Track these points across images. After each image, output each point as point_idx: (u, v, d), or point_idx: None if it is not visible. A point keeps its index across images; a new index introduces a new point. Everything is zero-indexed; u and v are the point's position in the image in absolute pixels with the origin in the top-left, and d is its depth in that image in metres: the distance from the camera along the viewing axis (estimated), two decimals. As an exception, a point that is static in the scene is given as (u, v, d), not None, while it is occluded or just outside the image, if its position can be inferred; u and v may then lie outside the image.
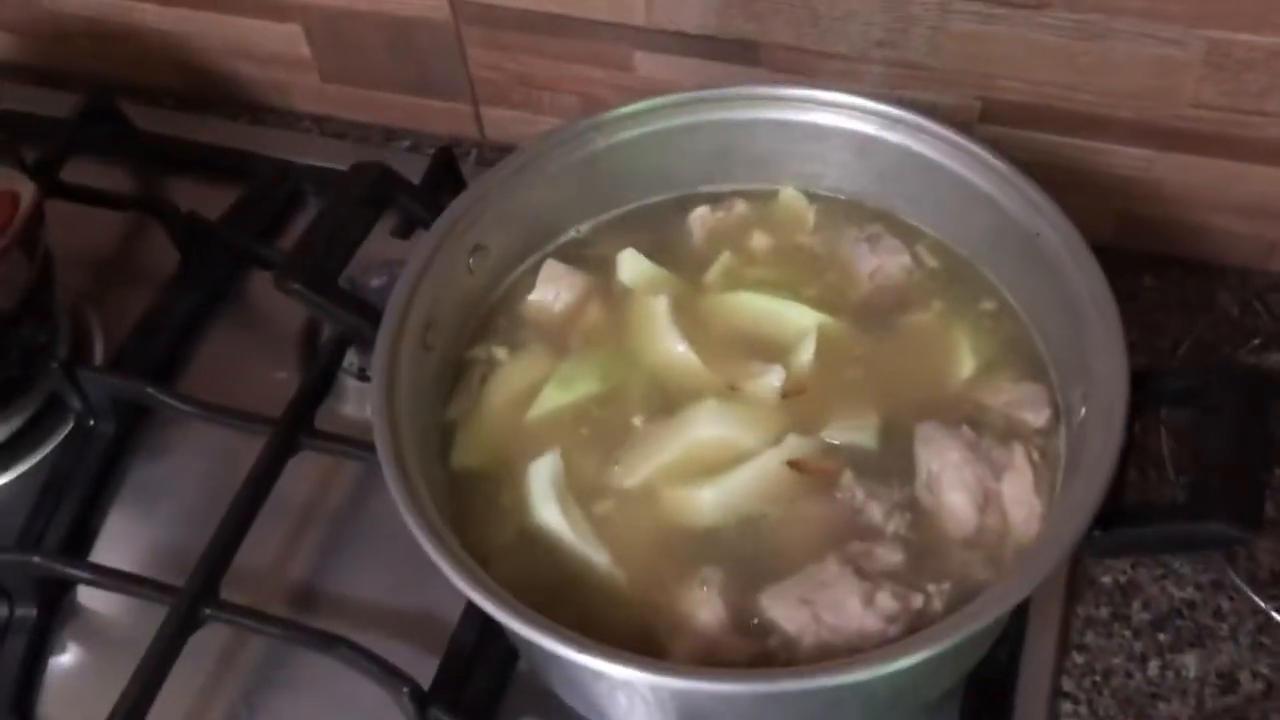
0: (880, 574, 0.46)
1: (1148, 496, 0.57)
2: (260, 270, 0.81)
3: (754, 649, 0.45)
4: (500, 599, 0.44)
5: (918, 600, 0.45)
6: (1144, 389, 0.46)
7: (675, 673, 0.41)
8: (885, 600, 0.45)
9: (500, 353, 0.56)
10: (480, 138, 0.88)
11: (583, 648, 0.41)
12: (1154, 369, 0.48)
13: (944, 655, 0.42)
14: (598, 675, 0.45)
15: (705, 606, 0.46)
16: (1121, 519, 0.44)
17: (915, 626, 0.44)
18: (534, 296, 0.57)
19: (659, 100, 0.58)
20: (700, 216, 0.60)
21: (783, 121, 0.58)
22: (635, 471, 0.51)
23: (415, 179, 0.79)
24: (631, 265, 0.57)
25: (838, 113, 0.57)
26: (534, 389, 0.54)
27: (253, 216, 0.83)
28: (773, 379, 0.51)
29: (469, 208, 0.54)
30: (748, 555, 0.48)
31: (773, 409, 0.52)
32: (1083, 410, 0.47)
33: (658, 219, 0.60)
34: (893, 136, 0.56)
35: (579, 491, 0.51)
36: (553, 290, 0.56)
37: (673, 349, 0.52)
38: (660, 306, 0.54)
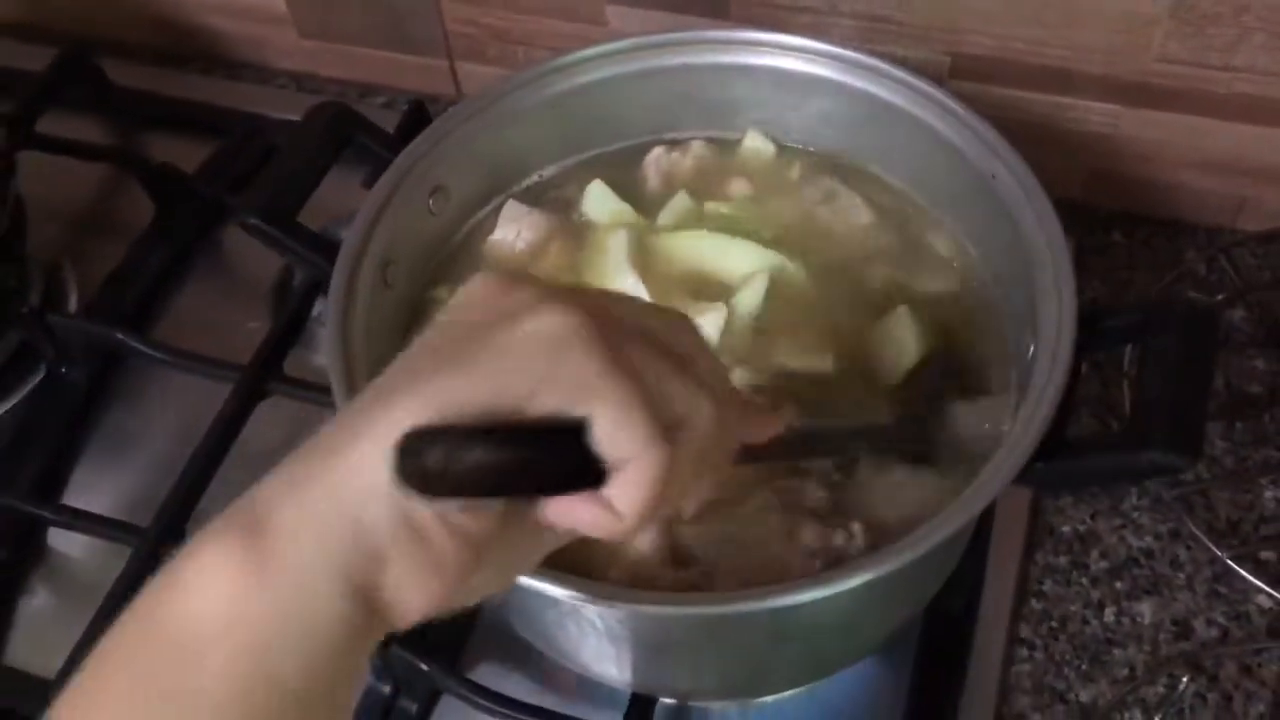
0: (807, 510, 0.47)
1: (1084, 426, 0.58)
2: (234, 225, 0.81)
3: (686, 580, 0.45)
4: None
5: (840, 538, 0.46)
6: (1089, 327, 0.46)
7: (612, 595, 0.42)
8: (808, 535, 0.45)
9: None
10: (456, 93, 0.88)
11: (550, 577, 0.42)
12: (1099, 308, 0.48)
13: (884, 586, 0.42)
14: (546, 604, 0.46)
15: (641, 535, 0.46)
16: (1064, 452, 0.44)
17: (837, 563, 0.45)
18: (495, 236, 0.57)
19: (622, 43, 0.58)
20: (655, 159, 0.60)
21: (745, 66, 0.58)
22: None
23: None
24: (598, 197, 0.58)
25: (799, 58, 0.57)
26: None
27: (227, 170, 0.83)
28: (716, 317, 0.51)
29: (429, 149, 0.55)
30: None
31: (721, 346, 0.52)
32: (1031, 348, 0.47)
33: (621, 163, 0.60)
34: (854, 81, 0.56)
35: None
36: (514, 229, 0.57)
37: (624, 284, 0.52)
38: (618, 241, 0.54)
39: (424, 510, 0.33)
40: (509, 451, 0.33)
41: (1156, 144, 0.73)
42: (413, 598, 0.34)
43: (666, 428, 0.34)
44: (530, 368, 0.33)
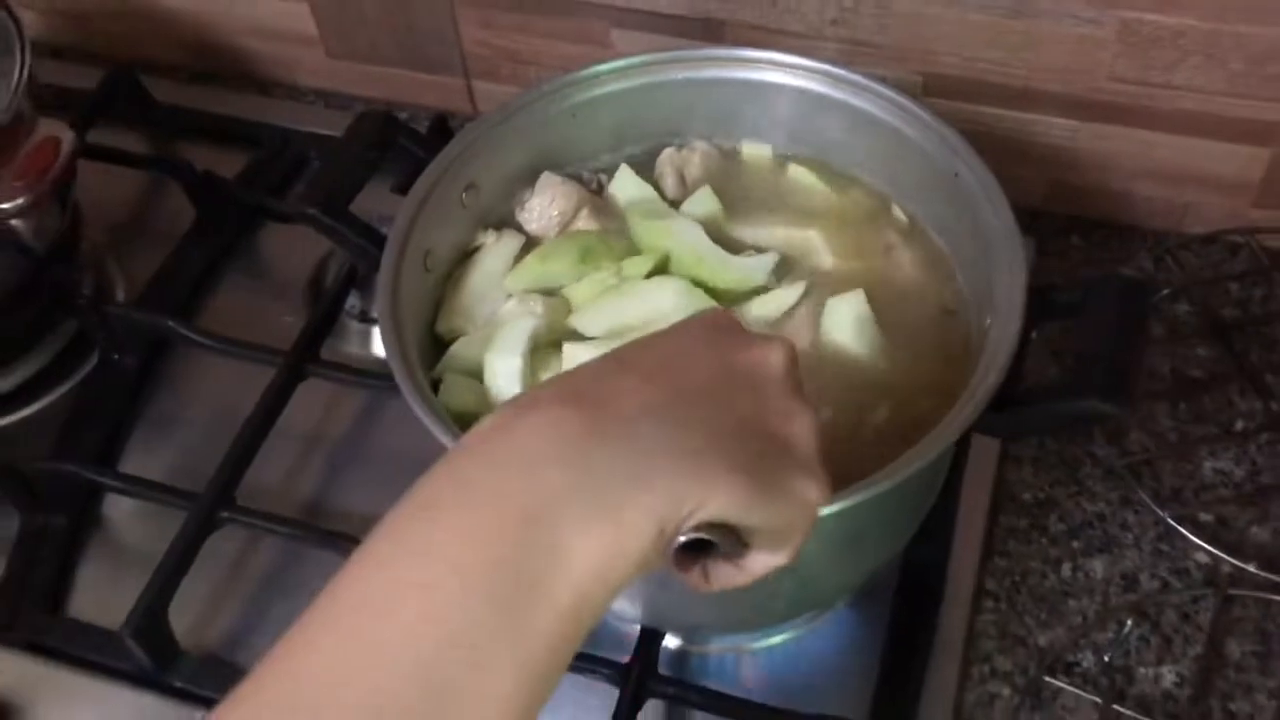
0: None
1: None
2: (270, 224, 0.88)
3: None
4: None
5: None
6: (1038, 300, 0.54)
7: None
8: None
9: (488, 236, 0.64)
10: (472, 109, 0.96)
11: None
12: (1047, 284, 0.56)
13: (865, 515, 0.50)
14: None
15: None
16: (1014, 404, 0.52)
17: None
18: (531, 202, 0.64)
19: (633, 60, 0.66)
20: (669, 157, 0.68)
21: (742, 80, 0.66)
22: (593, 326, 0.59)
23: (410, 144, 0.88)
24: (624, 182, 0.65)
25: (790, 73, 0.65)
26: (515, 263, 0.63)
27: (262, 177, 0.90)
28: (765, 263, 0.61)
29: (462, 150, 0.62)
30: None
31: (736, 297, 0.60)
32: (988, 321, 0.55)
33: (634, 164, 0.68)
34: (837, 94, 0.64)
35: (540, 349, 0.59)
36: (549, 196, 0.63)
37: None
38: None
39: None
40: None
41: (1110, 155, 0.81)
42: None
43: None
44: (802, 527, 0.41)
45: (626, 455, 0.37)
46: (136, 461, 0.78)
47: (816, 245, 0.65)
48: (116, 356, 0.81)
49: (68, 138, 0.69)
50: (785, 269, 0.63)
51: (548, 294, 0.62)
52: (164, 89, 0.96)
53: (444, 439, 0.51)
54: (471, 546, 0.35)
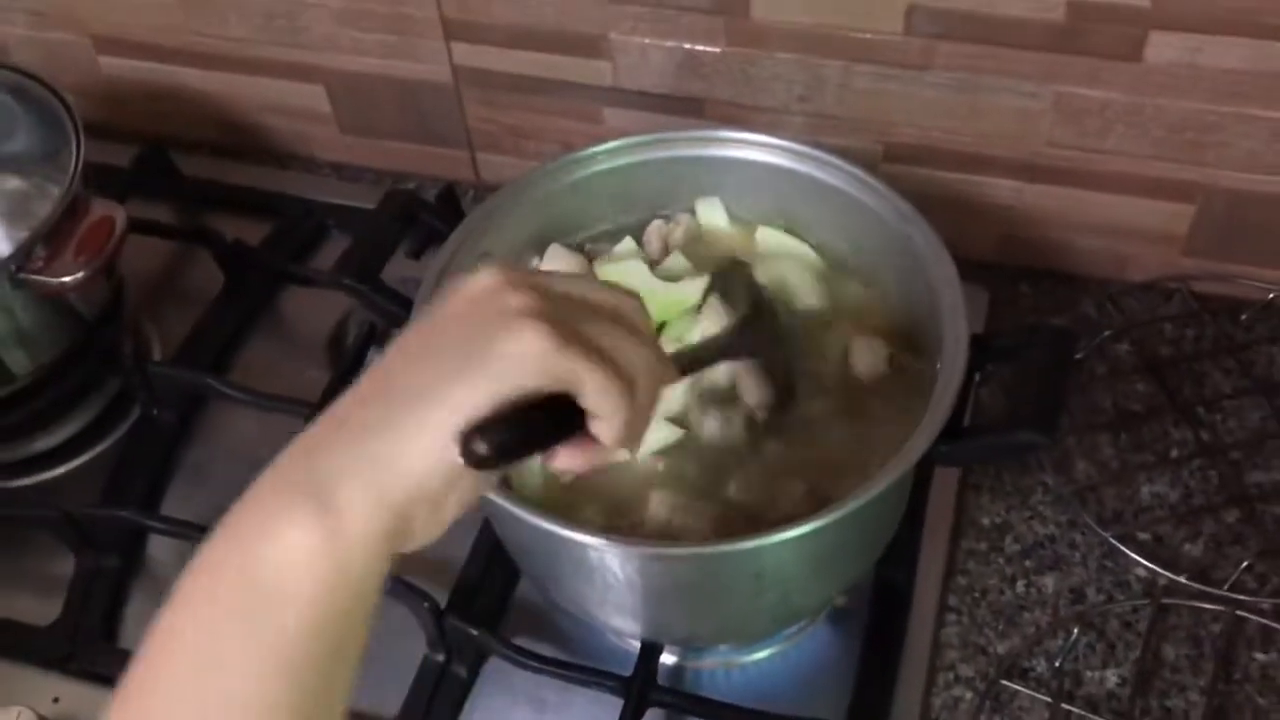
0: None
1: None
2: (293, 287, 0.96)
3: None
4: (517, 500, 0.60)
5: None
6: (979, 346, 0.62)
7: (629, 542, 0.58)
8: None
9: None
10: (476, 179, 1.04)
11: (570, 527, 0.57)
12: (989, 331, 0.65)
13: (834, 535, 0.58)
14: (580, 558, 0.61)
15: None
16: (960, 436, 0.60)
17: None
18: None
19: (623, 141, 0.75)
20: (656, 228, 0.76)
21: (719, 158, 0.75)
22: None
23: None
24: (622, 248, 0.75)
25: (761, 150, 0.74)
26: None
27: (284, 244, 0.99)
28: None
29: (478, 224, 0.71)
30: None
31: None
32: (938, 365, 0.63)
33: (624, 234, 0.77)
34: (801, 167, 0.73)
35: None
36: (558, 266, 0.72)
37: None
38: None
39: (471, 481, 0.45)
40: (532, 426, 0.46)
41: (1053, 211, 0.90)
42: (419, 543, 0.45)
43: (627, 382, 0.46)
44: (530, 369, 0.44)
45: (339, 450, 0.44)
46: (177, 506, 0.86)
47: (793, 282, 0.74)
48: (156, 411, 0.88)
49: (120, 217, 0.77)
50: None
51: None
52: (188, 162, 1.05)
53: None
54: (217, 573, 0.45)
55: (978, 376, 0.63)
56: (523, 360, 0.44)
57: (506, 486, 0.63)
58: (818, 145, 0.75)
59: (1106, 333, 0.88)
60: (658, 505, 0.62)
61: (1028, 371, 0.61)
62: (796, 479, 0.65)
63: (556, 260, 0.73)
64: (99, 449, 0.89)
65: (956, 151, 0.88)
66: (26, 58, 1.07)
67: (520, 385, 0.45)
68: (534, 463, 0.57)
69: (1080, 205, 0.89)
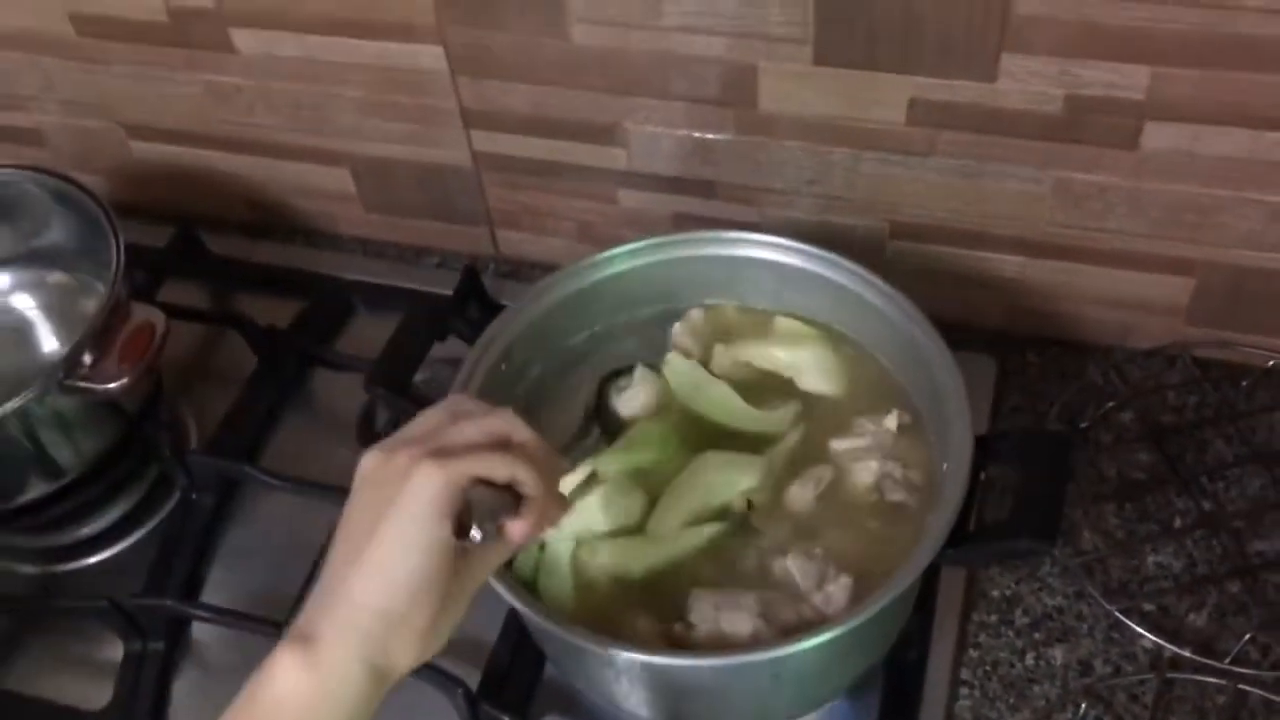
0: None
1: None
2: (324, 369, 1.00)
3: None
4: (543, 611, 0.63)
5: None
6: (984, 447, 0.65)
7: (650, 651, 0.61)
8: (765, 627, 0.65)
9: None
10: (495, 253, 1.08)
11: (601, 642, 0.61)
12: (991, 434, 0.68)
13: (845, 642, 0.61)
14: (605, 663, 0.64)
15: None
16: (966, 539, 0.63)
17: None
18: (630, 391, 0.77)
19: (636, 244, 0.78)
20: (680, 329, 0.81)
21: (730, 256, 0.78)
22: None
23: (444, 289, 1.00)
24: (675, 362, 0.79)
25: (772, 249, 0.77)
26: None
27: (314, 324, 1.02)
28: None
29: (501, 329, 0.74)
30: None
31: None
32: (945, 465, 0.66)
33: (638, 330, 0.80)
34: (811, 266, 0.76)
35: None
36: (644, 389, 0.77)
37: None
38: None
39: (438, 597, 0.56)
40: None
41: (1057, 285, 0.93)
42: (407, 661, 0.56)
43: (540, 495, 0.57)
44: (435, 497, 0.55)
45: (318, 598, 0.56)
46: (219, 587, 0.90)
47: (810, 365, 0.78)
48: (195, 496, 0.92)
49: (160, 321, 0.81)
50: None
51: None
52: (220, 241, 1.08)
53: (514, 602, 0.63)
54: (233, 707, 0.56)
55: (982, 476, 0.65)
56: (425, 492, 0.54)
57: (533, 593, 0.67)
58: (825, 244, 0.78)
59: (1111, 404, 0.91)
60: (702, 603, 0.66)
61: (1029, 475, 0.64)
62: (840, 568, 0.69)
63: (643, 386, 0.78)
64: (141, 533, 0.93)
65: (961, 230, 0.91)
66: (60, 142, 1.12)
67: (432, 511, 0.54)
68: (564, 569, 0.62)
69: (1083, 279, 0.91)
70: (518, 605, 0.62)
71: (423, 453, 0.55)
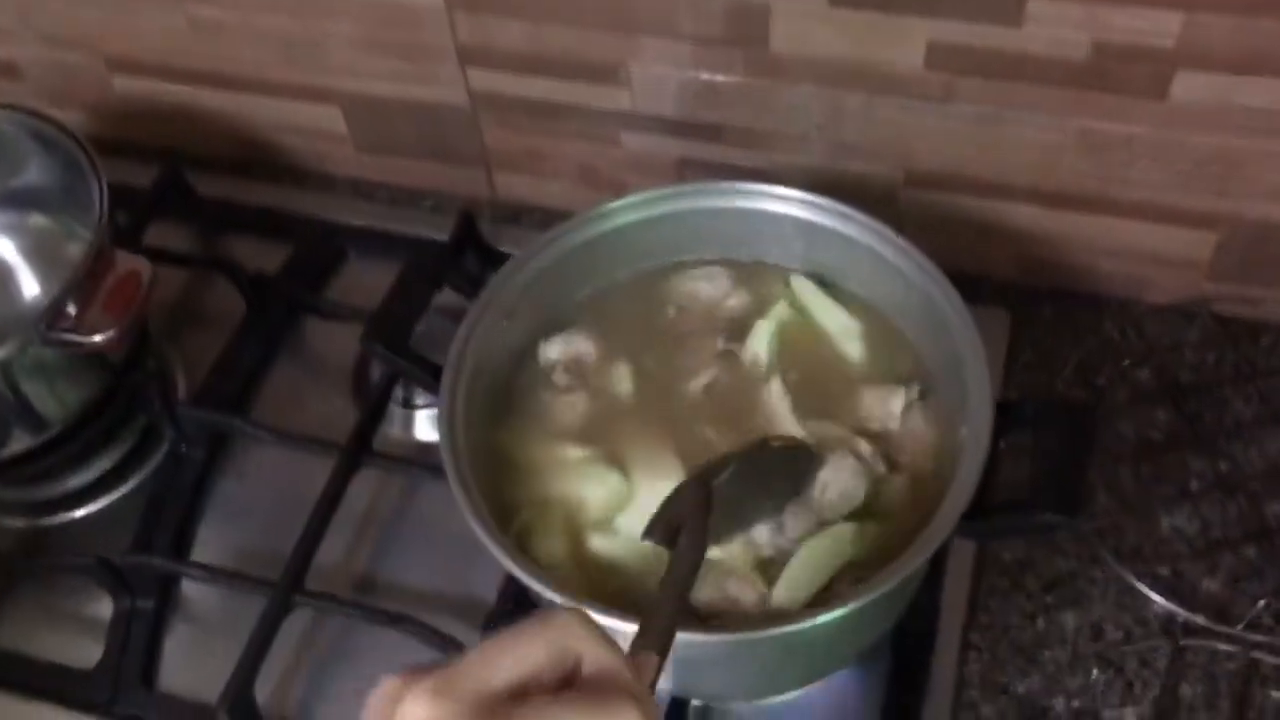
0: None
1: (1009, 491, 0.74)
2: (314, 318, 0.97)
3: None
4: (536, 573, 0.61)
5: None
6: (1003, 415, 0.63)
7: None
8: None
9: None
10: (493, 196, 1.04)
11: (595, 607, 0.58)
12: (1011, 401, 0.65)
13: (857, 616, 0.59)
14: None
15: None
16: (984, 512, 0.61)
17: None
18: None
19: (642, 195, 0.74)
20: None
21: (743, 209, 0.75)
22: None
23: (440, 235, 0.97)
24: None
25: (784, 203, 0.74)
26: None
27: (304, 270, 0.99)
28: None
29: (503, 284, 0.71)
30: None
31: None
32: (963, 431, 0.64)
33: (644, 285, 0.77)
34: (827, 221, 0.73)
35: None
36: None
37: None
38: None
39: None
40: None
41: (1075, 236, 0.90)
42: None
43: None
44: None
45: None
46: (209, 542, 0.87)
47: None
48: (184, 449, 0.90)
49: (146, 270, 0.78)
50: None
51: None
52: (206, 181, 1.04)
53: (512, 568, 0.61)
54: None
55: (1003, 444, 0.63)
56: None
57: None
58: (836, 192, 0.75)
59: (1127, 361, 0.88)
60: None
61: (1049, 446, 0.62)
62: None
63: None
64: (130, 485, 0.90)
65: (978, 178, 0.88)
66: (38, 77, 1.07)
67: None
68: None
69: (1102, 231, 0.88)
70: (529, 580, 0.60)
71: (427, 683, 0.41)
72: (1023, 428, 0.64)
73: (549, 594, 0.60)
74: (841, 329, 0.74)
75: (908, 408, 0.68)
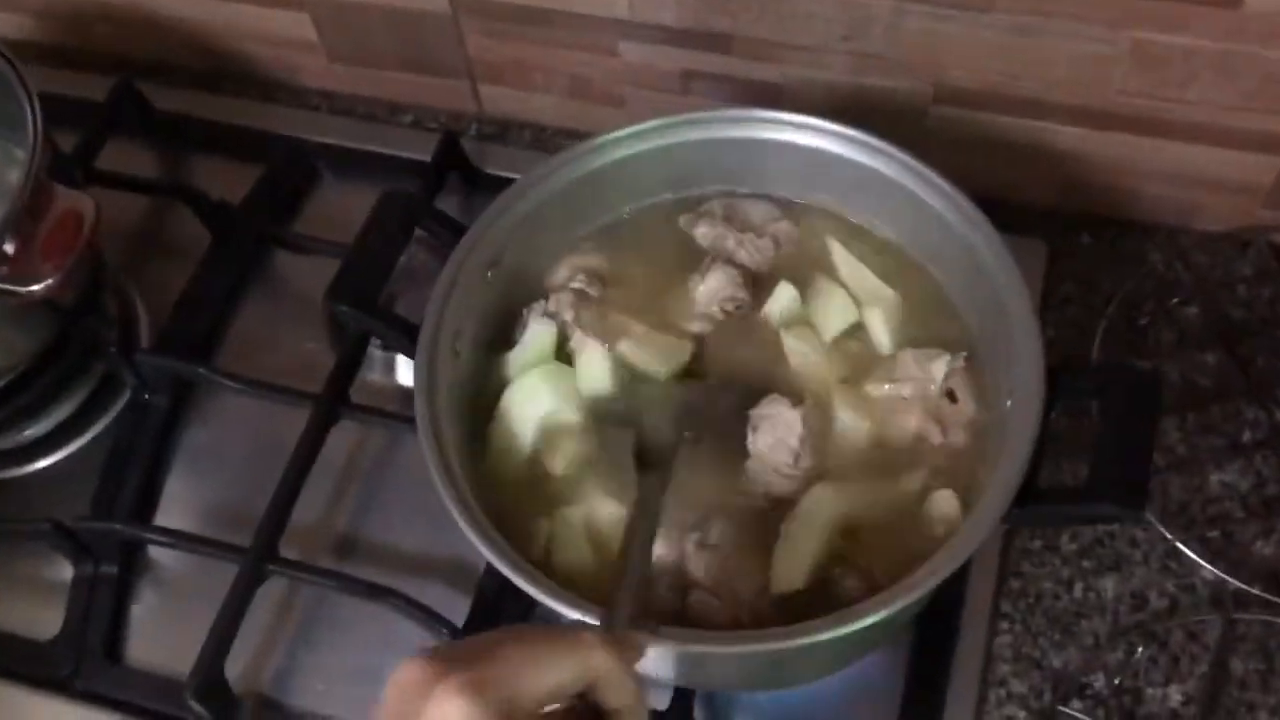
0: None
1: (1058, 464, 0.67)
2: (286, 251, 0.89)
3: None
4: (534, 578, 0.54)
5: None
6: (1056, 384, 0.55)
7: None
8: None
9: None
10: (478, 111, 0.95)
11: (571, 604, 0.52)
12: (1065, 367, 0.57)
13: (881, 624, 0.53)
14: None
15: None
16: (1034, 499, 0.54)
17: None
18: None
19: (642, 125, 0.66)
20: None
21: (753, 139, 0.66)
22: None
23: (421, 154, 0.88)
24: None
25: (800, 132, 0.65)
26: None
27: (274, 194, 0.90)
28: None
29: (485, 230, 0.63)
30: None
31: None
32: (1009, 402, 0.56)
33: (648, 222, 0.69)
34: (851, 154, 0.64)
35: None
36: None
37: None
38: None
39: None
40: None
41: (1120, 159, 0.81)
42: None
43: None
44: None
45: None
46: (176, 499, 0.81)
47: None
48: (147, 397, 0.82)
49: (89, 210, 0.69)
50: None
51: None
52: (165, 95, 0.95)
53: (485, 551, 0.54)
54: None
55: (1052, 415, 0.56)
56: None
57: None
58: (859, 111, 0.67)
59: (1175, 299, 0.81)
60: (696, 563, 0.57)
61: (1112, 422, 0.54)
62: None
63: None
64: (90, 435, 0.83)
65: (1016, 96, 0.79)
66: (-19, -23, 0.97)
67: None
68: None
69: (1151, 153, 0.80)
70: (544, 598, 0.54)
71: (460, 679, 0.41)
72: (1074, 397, 0.56)
73: (562, 609, 0.54)
74: (872, 296, 0.65)
75: (949, 375, 0.60)
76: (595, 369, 0.62)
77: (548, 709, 0.44)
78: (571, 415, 0.62)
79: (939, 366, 0.60)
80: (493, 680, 0.41)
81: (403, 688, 0.43)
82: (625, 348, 0.63)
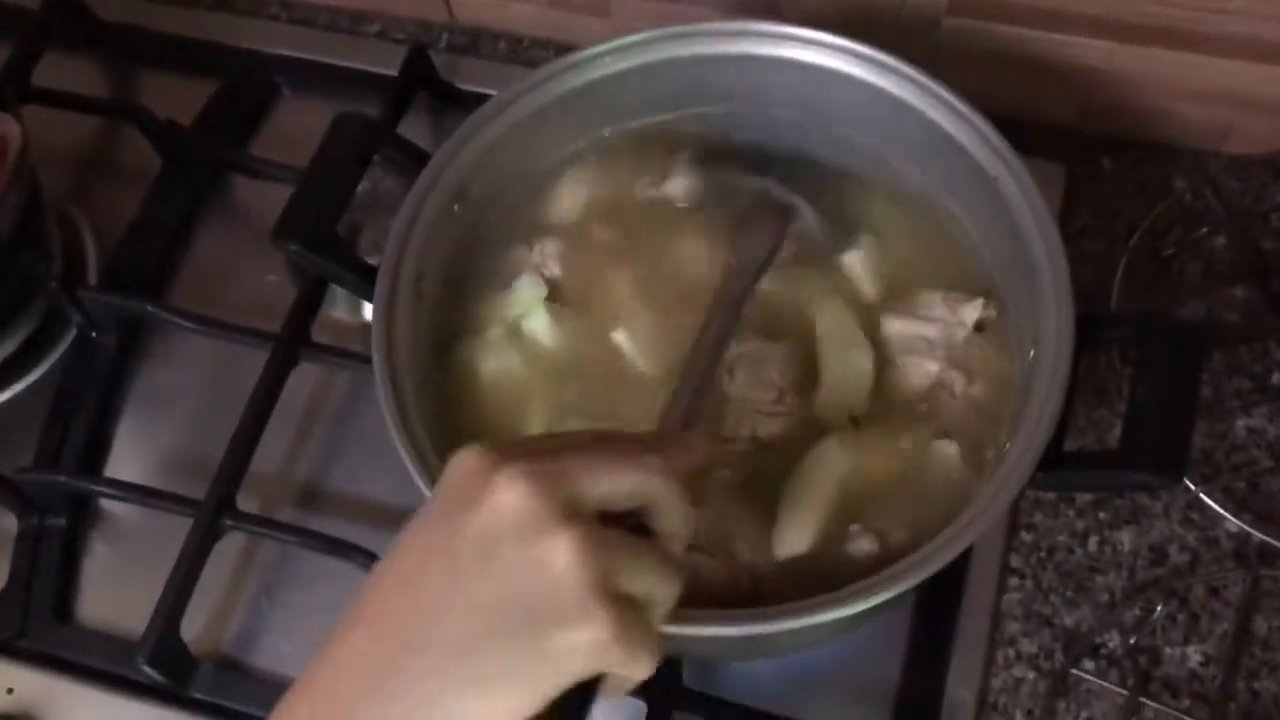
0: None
1: (1086, 419, 0.62)
2: (242, 176, 0.82)
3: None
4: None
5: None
6: (1086, 334, 0.50)
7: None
8: None
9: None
10: (449, 19, 0.88)
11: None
12: (1096, 315, 0.52)
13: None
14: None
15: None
16: (1061, 462, 0.49)
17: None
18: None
19: (629, 39, 0.59)
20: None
21: (751, 55, 0.59)
22: None
23: (387, 68, 0.81)
24: None
25: (802, 47, 0.58)
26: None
27: (229, 115, 0.84)
28: None
29: (452, 158, 0.56)
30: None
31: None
32: (1032, 352, 0.51)
33: (633, 149, 0.62)
34: (861, 73, 0.58)
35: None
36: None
37: None
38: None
39: None
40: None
41: (1148, 76, 0.75)
42: None
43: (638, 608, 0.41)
44: (587, 665, 0.39)
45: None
46: (128, 444, 0.75)
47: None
48: (95, 335, 0.76)
49: (15, 134, 0.63)
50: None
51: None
52: (107, 4, 0.88)
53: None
54: None
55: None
56: (582, 658, 0.39)
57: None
58: (866, 23, 0.60)
59: (1203, 229, 0.75)
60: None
61: (1143, 378, 0.49)
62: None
63: None
64: (35, 376, 0.77)
65: (1035, 6, 0.72)
66: None
67: (571, 680, 0.39)
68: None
69: (1183, 69, 0.73)
70: None
71: (593, 572, 0.39)
72: (1105, 347, 0.51)
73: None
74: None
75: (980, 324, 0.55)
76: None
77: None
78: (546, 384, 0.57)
79: (969, 310, 0.54)
80: (556, 473, 0.40)
81: (461, 474, 0.41)
82: (621, 339, 0.57)
